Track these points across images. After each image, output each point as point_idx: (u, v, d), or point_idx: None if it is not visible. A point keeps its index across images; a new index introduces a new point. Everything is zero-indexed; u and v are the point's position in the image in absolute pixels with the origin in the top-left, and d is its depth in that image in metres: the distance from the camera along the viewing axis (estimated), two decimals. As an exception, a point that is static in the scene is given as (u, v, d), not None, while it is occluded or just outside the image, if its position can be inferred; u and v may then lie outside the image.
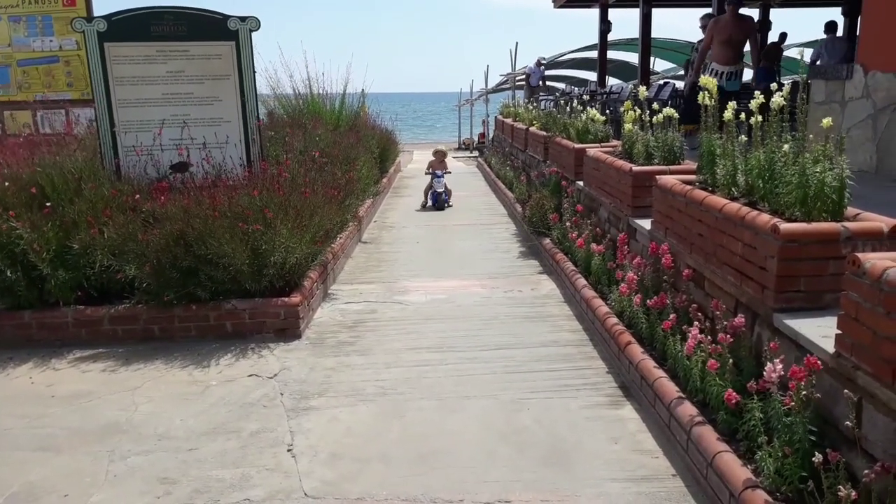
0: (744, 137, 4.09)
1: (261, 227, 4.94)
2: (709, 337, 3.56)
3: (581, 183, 7.52)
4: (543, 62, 21.32)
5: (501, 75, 27.21)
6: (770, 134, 3.76)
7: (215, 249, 4.85)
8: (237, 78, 6.10)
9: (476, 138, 25.61)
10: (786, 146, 3.57)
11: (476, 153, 22.27)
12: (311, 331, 5.35)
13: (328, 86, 11.79)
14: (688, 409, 3.37)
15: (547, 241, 7.34)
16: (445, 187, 11.13)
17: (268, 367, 4.67)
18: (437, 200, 10.98)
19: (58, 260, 5.04)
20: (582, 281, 5.74)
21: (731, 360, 3.33)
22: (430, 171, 11.49)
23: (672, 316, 4.04)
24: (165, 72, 6.02)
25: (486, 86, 27.77)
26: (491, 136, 22.06)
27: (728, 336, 3.35)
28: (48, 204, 5.15)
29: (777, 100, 3.66)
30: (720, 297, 3.92)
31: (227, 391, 4.30)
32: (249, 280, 5.07)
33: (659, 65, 25.34)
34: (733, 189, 4.17)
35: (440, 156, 11.95)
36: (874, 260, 2.55)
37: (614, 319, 4.74)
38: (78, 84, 8.44)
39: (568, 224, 6.90)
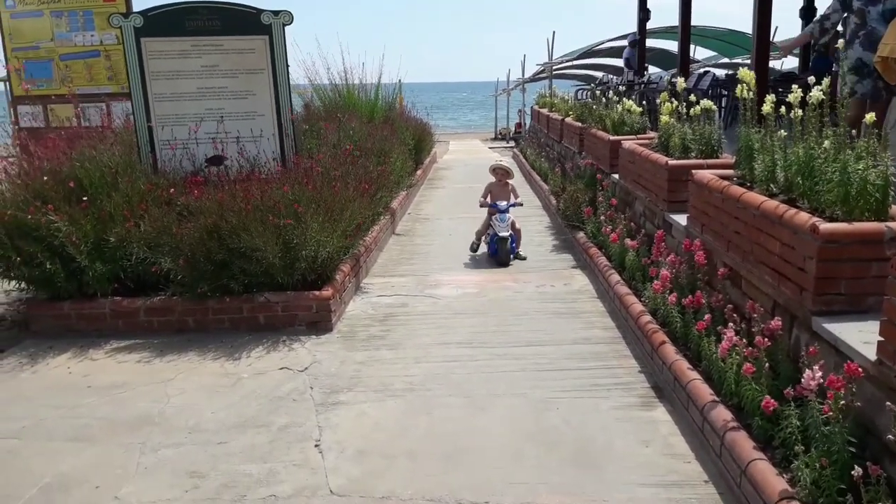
0: (783, 132, 3.96)
1: (292, 221, 4.95)
2: (744, 340, 3.45)
3: (616, 176, 7.40)
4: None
5: (538, 65, 26.97)
6: (809, 129, 3.64)
7: (248, 243, 4.88)
8: (271, 72, 6.11)
9: (513, 128, 25.51)
10: (826, 142, 3.44)
11: (512, 143, 22.17)
12: (343, 324, 5.37)
13: (363, 77, 11.81)
14: (722, 414, 3.28)
15: (581, 234, 7.24)
16: (513, 227, 7.10)
17: (298, 360, 4.69)
18: (499, 251, 6.87)
19: (95, 252, 5.13)
20: (615, 277, 5.65)
21: (767, 364, 3.23)
22: (488, 201, 7.27)
23: (707, 316, 3.94)
24: (200, 66, 6.07)
25: (523, 75, 27.57)
26: (527, 126, 21.91)
27: (765, 339, 3.25)
28: (85, 198, 5.24)
29: (816, 94, 3.53)
30: (757, 297, 3.81)
31: (258, 384, 4.34)
32: (281, 273, 5.10)
33: (699, 52, 24.82)
34: (772, 185, 4.05)
35: (502, 175, 7.42)
36: (919, 264, 2.44)
37: (648, 317, 4.65)
38: (118, 78, 8.57)
39: (602, 218, 6.79)
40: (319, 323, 5.17)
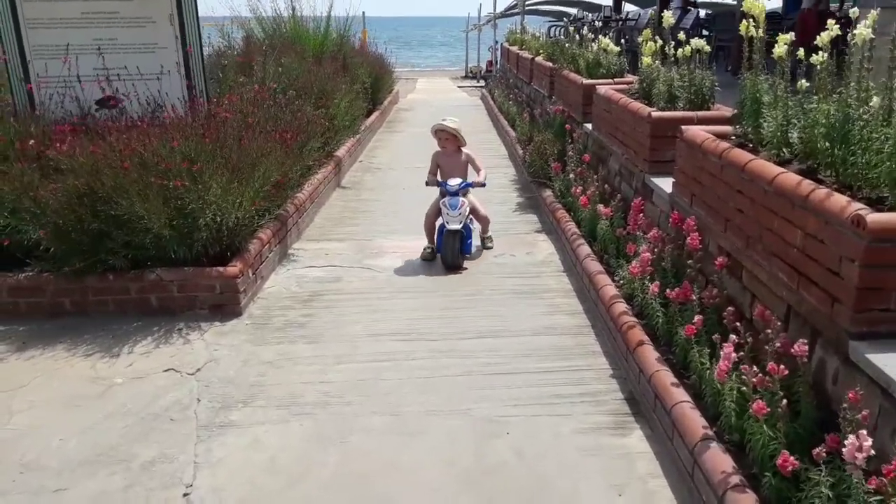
0: (805, 82, 3.06)
1: (185, 181, 3.96)
2: (748, 355, 2.60)
3: (589, 126, 6.46)
4: None
5: (510, -2, 25.54)
6: (847, 80, 2.74)
7: (127, 209, 3.90)
8: (173, -8, 5.00)
9: (484, 66, 24.20)
10: (875, 99, 2.55)
11: (482, 82, 20.97)
12: (257, 305, 4.45)
13: (314, 8, 10.59)
14: (719, 461, 2.46)
15: (548, 193, 6.34)
16: (474, 213, 5.31)
17: (192, 357, 3.78)
18: (445, 250, 5.00)
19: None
20: (585, 249, 4.78)
21: (784, 402, 2.40)
22: (435, 178, 5.39)
23: (698, 318, 3.10)
24: (83, -16, 4.94)
25: (495, 10, 26.10)
26: (498, 63, 20.69)
27: (781, 367, 2.41)
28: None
29: (863, 31, 2.62)
30: (764, 296, 2.97)
31: (133, 394, 3.43)
32: (175, 245, 4.13)
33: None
34: (784, 149, 3.18)
35: (449, 142, 5.34)
36: None
37: (622, 306, 3.81)
38: None
39: (572, 175, 5.88)
40: (225, 306, 4.24)
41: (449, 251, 5.00)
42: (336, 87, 7.81)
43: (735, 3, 11.96)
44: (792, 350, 2.41)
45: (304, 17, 10.40)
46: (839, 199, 2.45)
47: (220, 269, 4.24)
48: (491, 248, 5.45)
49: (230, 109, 4.89)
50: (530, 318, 4.27)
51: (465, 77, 24.87)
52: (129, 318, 4.23)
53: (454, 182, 5.17)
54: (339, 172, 7.71)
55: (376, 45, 14.18)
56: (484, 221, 5.44)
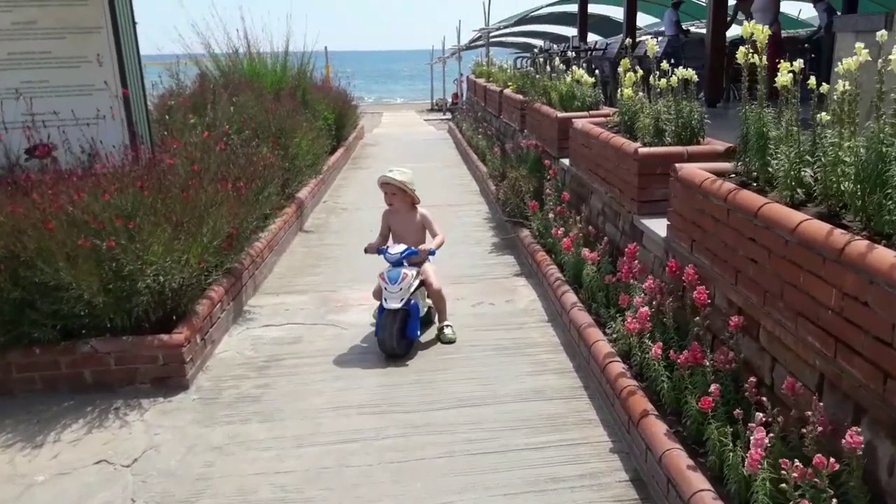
0: (825, 115, 2.71)
1: (120, 241, 3.48)
2: (794, 461, 2.16)
3: (566, 162, 6.11)
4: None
5: (474, 31, 25.55)
6: (881, 112, 2.38)
7: (53, 275, 3.40)
8: (111, 30, 4.55)
9: (450, 99, 24.12)
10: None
11: (449, 115, 20.79)
12: (206, 375, 3.94)
13: (273, 44, 10.18)
14: (760, 577, 2.04)
15: (525, 233, 5.95)
16: (414, 287, 4.13)
17: (129, 444, 3.26)
18: (382, 332, 4.01)
19: None
20: (571, 297, 4.37)
21: (835, 501, 1.98)
22: (375, 244, 4.39)
23: (714, 387, 2.68)
24: (10, 23, 4.46)
25: (459, 42, 26.13)
26: (465, 96, 20.53)
27: (832, 461, 2.00)
28: None
29: (896, 58, 2.28)
30: (789, 362, 2.57)
31: (55, 494, 2.90)
32: (112, 313, 3.63)
33: (640, 19, 23.71)
34: (798, 190, 2.82)
35: (396, 197, 4.40)
36: None
37: (619, 367, 3.39)
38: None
39: (551, 215, 5.50)
40: (170, 379, 3.73)
41: (387, 335, 3.98)
42: (296, 125, 7.38)
43: (703, 31, 11.86)
44: (844, 442, 1.99)
45: (261, 53, 10.01)
46: (885, 255, 2.07)
47: (164, 336, 3.74)
48: (451, 342, 4.26)
49: (176, 155, 4.42)
50: (515, 379, 3.83)
51: (431, 110, 24.77)
52: (60, 396, 3.69)
53: (395, 249, 4.19)
54: (300, 215, 7.25)
55: (339, 80, 13.86)
56: (438, 295, 4.30)
